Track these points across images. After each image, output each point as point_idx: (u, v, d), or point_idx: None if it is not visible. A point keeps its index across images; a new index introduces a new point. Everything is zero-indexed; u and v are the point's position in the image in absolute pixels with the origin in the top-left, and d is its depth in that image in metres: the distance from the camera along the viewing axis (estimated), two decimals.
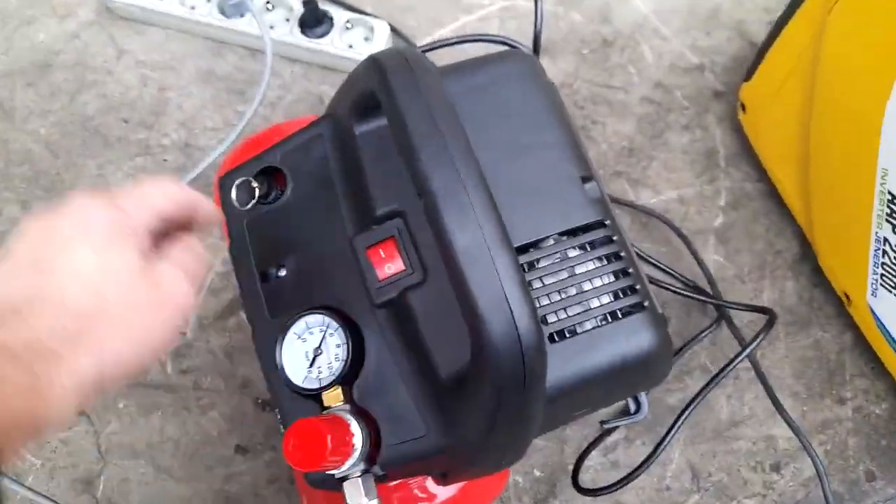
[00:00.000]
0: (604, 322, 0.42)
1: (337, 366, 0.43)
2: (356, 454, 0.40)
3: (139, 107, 0.78)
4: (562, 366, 0.40)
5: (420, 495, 0.48)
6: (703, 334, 0.68)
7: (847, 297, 0.67)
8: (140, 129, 0.77)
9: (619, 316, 0.42)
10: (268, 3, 0.77)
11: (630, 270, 0.43)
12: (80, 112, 0.77)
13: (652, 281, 0.67)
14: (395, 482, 0.47)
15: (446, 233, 0.33)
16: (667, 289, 0.66)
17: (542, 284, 0.42)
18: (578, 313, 0.42)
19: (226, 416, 0.66)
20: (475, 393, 0.36)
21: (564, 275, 0.42)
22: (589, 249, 0.43)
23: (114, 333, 0.31)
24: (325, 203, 0.45)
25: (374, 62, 0.38)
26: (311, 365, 0.43)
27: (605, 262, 0.43)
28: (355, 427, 0.40)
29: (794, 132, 0.66)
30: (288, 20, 0.77)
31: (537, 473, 0.65)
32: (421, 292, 0.41)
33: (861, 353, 0.69)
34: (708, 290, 0.70)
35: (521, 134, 0.44)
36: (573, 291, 0.42)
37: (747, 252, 0.73)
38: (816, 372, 0.69)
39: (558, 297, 0.42)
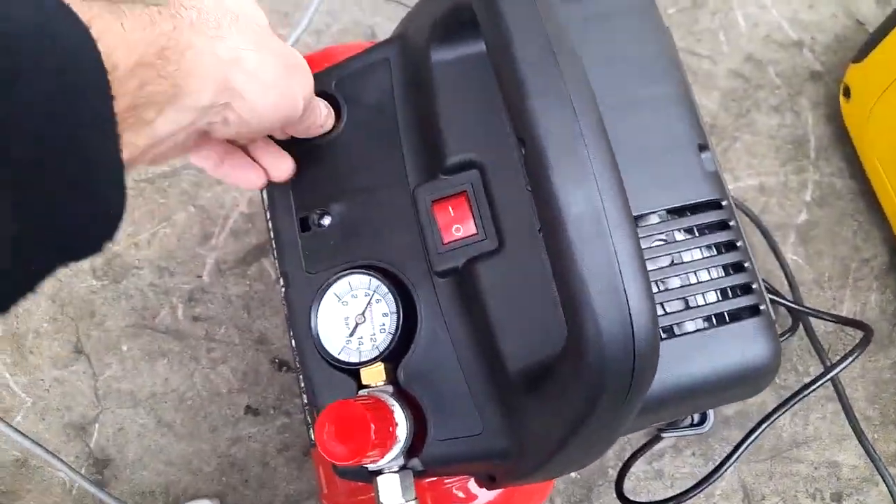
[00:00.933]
0: (709, 325, 0.35)
1: (382, 338, 0.36)
2: (398, 447, 0.33)
3: None
4: (676, 367, 0.33)
5: (459, 495, 0.42)
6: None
7: None
8: None
9: (728, 319, 0.35)
10: None
11: (746, 265, 0.35)
12: None
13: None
14: (430, 479, 0.40)
15: (554, 190, 0.26)
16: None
17: (648, 261, 0.35)
18: (680, 310, 0.35)
19: (238, 373, 0.60)
20: (562, 394, 0.29)
21: (667, 261, 0.35)
22: (699, 234, 0.36)
23: (255, 59, 0.30)
24: (385, 142, 0.38)
25: None
26: (352, 334, 0.36)
27: (717, 251, 0.36)
28: (400, 415, 0.34)
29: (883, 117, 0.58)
30: None
31: (573, 475, 0.59)
32: (493, 263, 0.34)
33: None
34: (785, 292, 0.62)
35: (633, 83, 0.37)
36: (676, 283, 0.35)
37: (830, 255, 0.65)
38: (893, 397, 0.62)
39: (657, 289, 0.35)
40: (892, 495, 0.54)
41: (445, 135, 0.36)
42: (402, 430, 0.33)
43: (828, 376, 0.51)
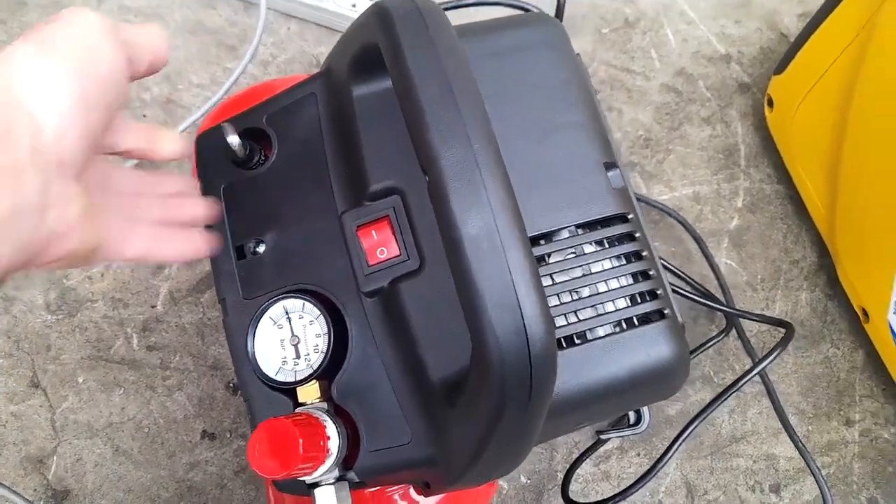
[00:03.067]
0: (619, 329, 0.37)
1: (316, 358, 0.38)
2: (331, 460, 0.35)
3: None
4: (569, 376, 0.36)
5: (401, 503, 0.44)
6: (709, 343, 0.63)
7: (865, 312, 0.63)
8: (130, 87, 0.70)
9: (636, 323, 0.37)
10: None
11: (652, 273, 0.38)
12: None
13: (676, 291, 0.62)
14: (372, 489, 0.42)
15: (452, 215, 0.28)
16: (676, 292, 0.62)
17: (552, 282, 0.37)
18: (591, 317, 0.37)
19: (193, 399, 0.61)
20: (472, 402, 0.31)
21: (579, 273, 0.37)
22: (607, 246, 0.38)
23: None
24: (313, 172, 0.40)
25: (380, 10, 0.33)
26: (287, 355, 0.38)
27: (625, 261, 0.38)
28: (332, 429, 0.35)
29: (826, 134, 0.62)
30: None
31: (524, 480, 0.61)
32: (415, 283, 0.36)
33: (873, 373, 0.66)
34: (718, 295, 0.65)
35: (541, 109, 0.39)
36: (587, 292, 0.37)
37: (762, 258, 0.69)
38: (825, 391, 0.65)
39: (570, 298, 0.37)
40: (819, 485, 0.56)
41: (367, 164, 0.38)
42: (333, 443, 0.35)
43: (754, 372, 0.54)
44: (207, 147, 0.43)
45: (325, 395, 0.38)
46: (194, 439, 0.60)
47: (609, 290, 0.37)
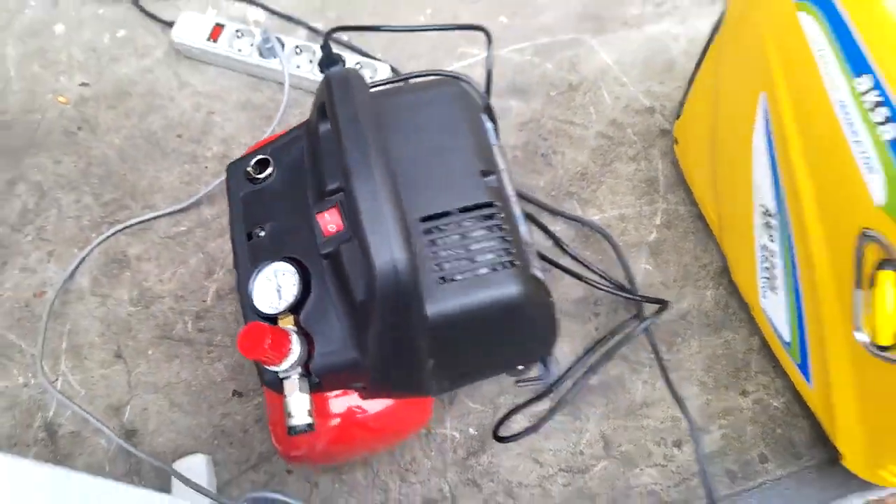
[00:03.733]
0: (483, 271, 0.56)
1: (290, 299, 0.58)
2: (293, 356, 0.55)
3: (192, 126, 0.98)
4: (448, 300, 0.55)
5: (356, 410, 0.62)
6: (620, 327, 0.80)
7: (749, 303, 0.79)
8: (190, 144, 0.97)
9: (495, 269, 0.56)
10: (296, 48, 0.97)
11: (509, 239, 0.57)
12: (147, 129, 0.98)
13: (581, 279, 0.80)
14: (334, 393, 0.61)
15: (355, 200, 0.49)
16: (589, 283, 0.80)
17: (443, 243, 0.57)
18: (467, 266, 0.56)
19: (228, 367, 0.82)
20: (370, 312, 0.51)
21: (458, 237, 0.57)
22: (480, 221, 0.58)
23: None
24: (297, 183, 0.62)
25: (325, 78, 0.55)
26: (272, 298, 0.59)
27: (490, 231, 0.57)
28: (294, 338, 0.56)
29: (706, 160, 0.80)
30: (311, 61, 0.97)
31: (472, 431, 0.78)
32: (349, 246, 0.57)
33: (766, 354, 0.80)
34: (634, 291, 0.82)
35: (440, 138, 0.60)
36: (463, 252, 0.57)
37: (675, 264, 0.85)
38: (724, 367, 0.80)
39: (453, 253, 0.56)
40: (689, 424, 0.71)
41: (326, 173, 0.60)
42: (295, 346, 0.55)
43: (637, 328, 0.70)
44: (234, 172, 0.66)
45: (296, 321, 0.58)
46: (227, 396, 0.81)
47: (479, 248, 0.57)
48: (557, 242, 0.85)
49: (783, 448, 0.76)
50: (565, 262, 0.83)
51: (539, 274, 0.60)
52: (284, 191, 0.63)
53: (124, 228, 0.90)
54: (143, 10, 1.05)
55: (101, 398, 0.82)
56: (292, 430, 0.55)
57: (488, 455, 0.77)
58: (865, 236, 0.56)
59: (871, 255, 0.56)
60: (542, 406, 0.79)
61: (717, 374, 0.80)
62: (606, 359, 0.80)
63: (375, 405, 0.63)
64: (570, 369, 0.79)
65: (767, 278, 0.72)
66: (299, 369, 0.57)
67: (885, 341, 0.55)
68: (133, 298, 0.86)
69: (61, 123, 0.98)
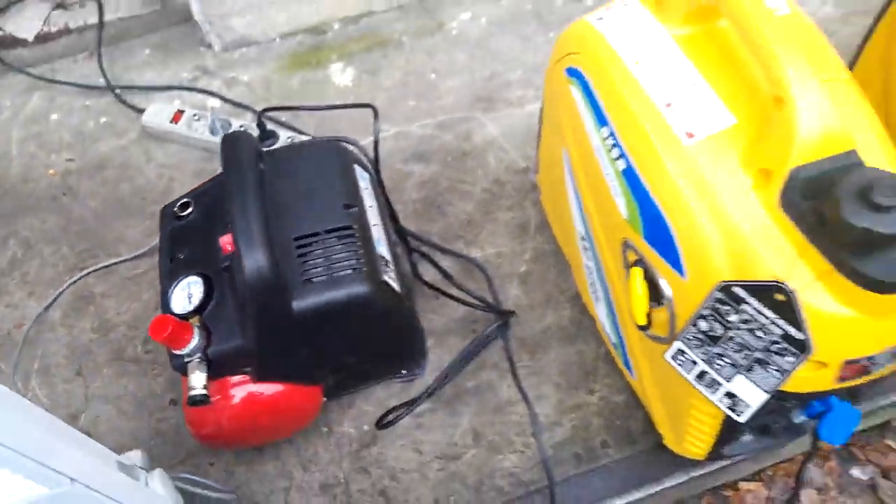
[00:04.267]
0: (338, 275, 0.74)
1: (196, 303, 0.77)
2: (193, 342, 0.73)
3: (155, 191, 1.19)
4: (310, 297, 0.73)
5: (253, 392, 0.79)
6: (480, 336, 0.97)
7: (594, 318, 0.96)
8: (152, 204, 1.17)
9: (348, 273, 0.74)
10: (241, 125, 1.20)
11: (362, 252, 0.76)
12: (118, 194, 1.19)
13: (457, 300, 0.98)
14: (235, 379, 0.78)
15: (234, 224, 0.69)
16: (464, 303, 0.97)
17: (310, 255, 0.75)
18: (326, 272, 0.75)
19: (168, 381, 0.99)
20: (248, 306, 0.69)
21: (321, 251, 0.76)
22: (339, 240, 0.77)
23: None
24: (210, 218, 0.82)
25: (223, 139, 0.76)
26: (184, 302, 0.77)
27: (347, 246, 0.76)
28: (195, 330, 0.73)
29: (554, 204, 0.99)
30: None
31: (365, 428, 0.93)
32: (238, 260, 0.76)
33: (610, 360, 0.96)
34: (495, 307, 1.00)
35: (315, 181, 0.80)
36: (324, 262, 0.75)
37: (540, 290, 1.03)
38: (576, 372, 0.96)
39: (317, 262, 0.75)
40: (531, 416, 0.87)
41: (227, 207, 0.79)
42: (195, 335, 0.73)
43: (485, 331, 0.87)
44: (165, 213, 0.86)
45: (200, 320, 0.76)
46: (165, 405, 0.97)
47: (336, 257, 0.75)
48: (444, 273, 1.04)
49: (621, 436, 0.91)
50: (452, 291, 1.01)
51: (392, 282, 0.78)
52: (200, 225, 0.83)
53: (92, 272, 1.09)
54: (121, 100, 1.29)
55: (63, 408, 0.98)
56: (191, 400, 0.72)
57: (378, 447, 0.92)
58: (626, 245, 0.74)
59: (630, 257, 0.74)
60: (425, 406, 0.94)
61: (569, 378, 0.96)
62: (478, 367, 0.96)
63: (269, 388, 0.79)
64: (447, 375, 0.96)
65: (594, 292, 0.90)
66: (199, 354, 0.74)
67: (641, 321, 0.72)
68: (94, 327, 1.04)
69: (49, 191, 1.20)
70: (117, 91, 1.30)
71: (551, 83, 0.86)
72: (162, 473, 0.74)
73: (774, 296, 0.59)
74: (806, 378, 0.62)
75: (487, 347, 0.97)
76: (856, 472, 1.04)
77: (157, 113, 1.22)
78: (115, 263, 1.10)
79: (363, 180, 0.87)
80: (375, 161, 0.92)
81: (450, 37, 1.34)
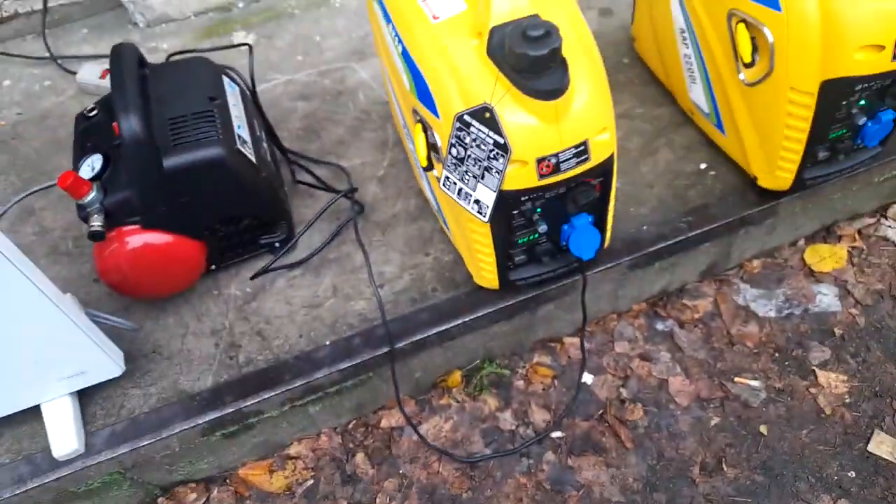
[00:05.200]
0: (199, 140, 1.00)
1: (97, 170, 1.02)
2: (91, 195, 0.98)
3: None
4: (177, 156, 0.98)
5: (146, 238, 1.03)
6: (329, 206, 1.23)
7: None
8: None
9: (206, 139, 1.00)
10: None
11: (220, 129, 1.02)
12: (57, 136, 1.44)
13: (316, 186, 1.24)
14: (128, 227, 1.02)
15: (114, 106, 0.95)
16: (323, 189, 1.23)
17: (181, 130, 1.00)
18: (192, 138, 1.00)
19: (93, 267, 1.23)
20: (127, 164, 0.95)
21: (189, 127, 1.01)
22: (202, 119, 1.02)
23: None
24: (109, 116, 1.08)
25: (111, 49, 1.02)
26: (88, 171, 1.02)
27: (208, 124, 1.02)
28: (94, 185, 0.98)
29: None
30: None
31: (248, 290, 1.18)
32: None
33: (444, 238, 1.22)
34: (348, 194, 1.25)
35: (189, 83, 1.06)
36: (190, 133, 1.01)
37: (393, 187, 1.29)
38: (416, 242, 1.21)
39: (185, 134, 1.00)
40: (375, 296, 1.12)
41: None
42: (94, 189, 0.98)
43: (331, 203, 1.13)
44: (78, 119, 1.12)
45: (99, 180, 1.01)
46: (90, 283, 1.21)
47: (199, 131, 1.01)
48: (313, 174, 1.29)
49: (448, 283, 1.16)
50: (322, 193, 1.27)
51: (247, 153, 1.04)
52: (102, 121, 1.08)
53: (34, 192, 1.33)
54: (62, 67, 1.55)
55: None
56: (89, 234, 0.97)
57: (257, 302, 1.17)
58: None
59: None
60: (296, 272, 1.19)
61: (411, 246, 1.21)
62: (340, 243, 1.21)
63: (157, 237, 1.04)
64: (320, 248, 1.20)
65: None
66: (97, 205, 0.99)
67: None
68: (35, 232, 1.29)
69: (1, 137, 1.45)
70: (59, 61, 1.56)
71: None
72: (74, 297, 0.99)
73: (485, 115, 0.85)
74: (516, 176, 0.88)
75: (348, 228, 1.23)
76: (659, 325, 1.31)
77: (88, 71, 1.48)
78: (52, 185, 1.34)
79: (230, 87, 1.13)
80: (252, 85, 1.18)
81: (334, 8, 1.62)
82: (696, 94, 1.24)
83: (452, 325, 1.12)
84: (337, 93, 1.45)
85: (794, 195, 1.19)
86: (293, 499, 1.16)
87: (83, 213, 1.00)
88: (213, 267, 1.17)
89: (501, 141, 0.85)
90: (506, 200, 0.91)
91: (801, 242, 1.36)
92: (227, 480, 1.18)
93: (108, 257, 1.03)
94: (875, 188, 1.31)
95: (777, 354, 1.25)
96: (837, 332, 1.27)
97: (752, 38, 1.03)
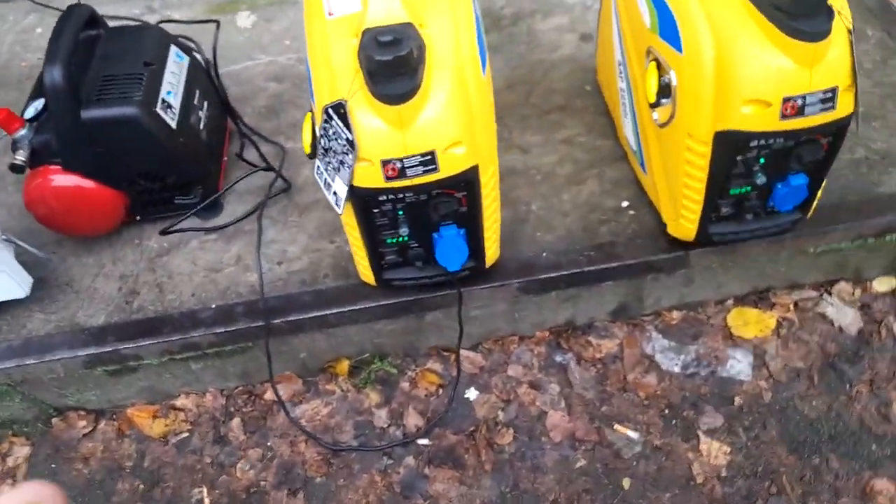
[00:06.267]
0: (119, 98, 1.09)
1: (36, 112, 1.13)
2: (22, 132, 1.09)
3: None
4: (95, 109, 1.07)
5: (67, 179, 1.13)
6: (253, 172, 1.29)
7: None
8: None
9: (128, 98, 1.09)
10: None
11: (143, 89, 1.10)
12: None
13: (248, 163, 1.31)
14: (53, 167, 1.12)
15: (45, 60, 1.05)
16: (243, 160, 1.30)
17: (108, 84, 1.10)
18: (115, 95, 1.09)
19: None
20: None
21: (116, 85, 1.11)
22: (130, 80, 1.11)
23: None
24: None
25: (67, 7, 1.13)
26: (31, 113, 1.13)
27: (133, 84, 1.11)
28: (27, 125, 1.09)
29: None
30: None
31: (165, 245, 1.26)
32: None
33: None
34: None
35: (134, 47, 1.16)
36: (115, 91, 1.10)
37: None
38: (326, 228, 1.26)
39: (111, 90, 1.10)
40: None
41: None
42: (25, 127, 1.09)
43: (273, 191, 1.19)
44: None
45: (35, 123, 1.12)
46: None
47: (122, 90, 1.10)
48: (257, 148, 1.36)
49: (340, 273, 1.20)
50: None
51: (165, 117, 1.12)
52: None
53: None
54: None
55: None
56: (10, 166, 1.08)
57: (168, 257, 1.25)
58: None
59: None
60: (211, 237, 1.26)
61: (321, 231, 1.26)
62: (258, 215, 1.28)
63: (78, 180, 1.13)
64: (240, 219, 1.27)
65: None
66: (25, 142, 1.10)
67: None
68: None
69: (19, 76, 1.62)
70: None
71: None
72: None
73: (340, 110, 0.89)
74: (364, 175, 0.91)
75: (276, 204, 1.29)
76: (557, 356, 1.29)
77: None
78: None
79: (177, 57, 1.22)
80: (214, 60, 1.27)
81: None
82: (628, 130, 1.21)
83: (330, 312, 1.15)
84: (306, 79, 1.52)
85: (707, 249, 1.15)
86: (165, 446, 1.23)
87: (13, 147, 1.11)
88: (138, 218, 1.26)
89: (350, 137, 0.88)
90: (359, 197, 0.94)
91: (730, 302, 1.30)
92: (115, 416, 1.27)
93: (32, 190, 1.13)
94: (812, 259, 1.23)
95: (667, 411, 1.20)
96: (738, 401, 1.20)
97: (662, 79, 1.00)
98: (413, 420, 1.23)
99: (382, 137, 0.88)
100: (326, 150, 0.94)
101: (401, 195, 0.94)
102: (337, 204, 0.96)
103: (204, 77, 1.28)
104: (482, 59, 0.97)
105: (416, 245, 1.04)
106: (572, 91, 1.42)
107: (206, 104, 1.27)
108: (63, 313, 1.19)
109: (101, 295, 1.21)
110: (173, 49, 1.22)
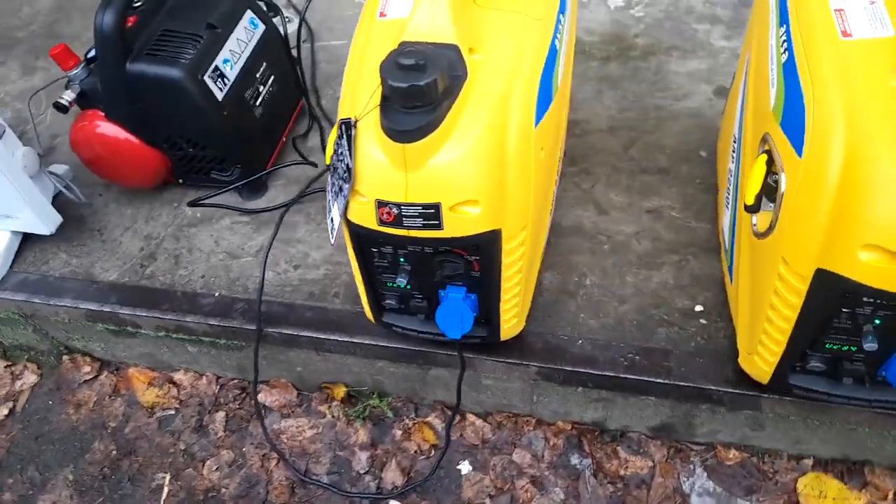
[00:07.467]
0: (167, 58, 1.02)
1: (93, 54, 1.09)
2: (76, 70, 1.05)
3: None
4: (141, 64, 1.02)
5: (109, 127, 1.09)
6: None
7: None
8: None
9: (177, 60, 1.02)
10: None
11: (195, 53, 1.02)
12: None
13: (303, 158, 1.21)
14: (100, 113, 1.09)
15: (100, 4, 1.00)
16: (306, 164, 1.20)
17: (165, 41, 1.04)
18: (165, 54, 1.03)
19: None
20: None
21: (173, 43, 1.04)
22: (190, 40, 1.04)
23: None
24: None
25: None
26: (93, 52, 1.10)
27: (190, 47, 1.03)
28: (82, 62, 1.06)
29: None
30: None
31: (199, 215, 1.20)
32: None
33: None
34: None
35: (206, 6, 1.09)
36: (167, 49, 1.03)
37: None
38: None
39: (165, 47, 1.03)
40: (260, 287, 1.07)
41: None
42: (80, 66, 1.05)
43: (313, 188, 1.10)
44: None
45: (90, 65, 1.08)
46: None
47: (177, 49, 1.03)
48: (322, 139, 1.26)
49: (352, 296, 1.07)
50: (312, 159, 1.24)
51: (212, 87, 1.04)
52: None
53: None
54: None
55: None
56: (54, 104, 1.05)
57: (196, 229, 1.19)
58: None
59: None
60: (245, 219, 1.19)
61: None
62: (297, 210, 1.18)
63: (118, 131, 1.09)
64: (276, 208, 1.19)
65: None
66: (76, 83, 1.07)
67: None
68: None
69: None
70: None
71: None
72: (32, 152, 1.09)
73: (350, 130, 0.75)
74: (358, 210, 0.77)
75: (309, 202, 1.19)
76: (574, 458, 1.09)
77: None
78: None
79: (251, 24, 1.13)
80: (298, 32, 1.18)
81: None
82: (725, 221, 0.96)
83: (326, 337, 1.03)
84: None
85: (785, 398, 0.89)
86: (149, 418, 1.19)
87: (67, 84, 1.09)
88: (181, 181, 1.21)
89: (349, 164, 0.74)
90: (354, 232, 0.80)
91: (808, 462, 1.02)
92: (118, 371, 1.25)
93: (77, 132, 1.11)
94: None
95: None
96: None
97: (770, 179, 0.76)
98: (392, 475, 1.09)
99: (382, 174, 0.73)
100: (334, 169, 0.81)
101: (394, 241, 0.79)
102: (331, 231, 0.82)
103: (279, 49, 1.19)
104: (543, 105, 0.79)
105: (419, 296, 0.89)
106: (682, 153, 1.17)
107: (271, 79, 1.18)
108: (83, 259, 1.17)
109: (122, 251, 1.17)
110: (248, 15, 1.14)
